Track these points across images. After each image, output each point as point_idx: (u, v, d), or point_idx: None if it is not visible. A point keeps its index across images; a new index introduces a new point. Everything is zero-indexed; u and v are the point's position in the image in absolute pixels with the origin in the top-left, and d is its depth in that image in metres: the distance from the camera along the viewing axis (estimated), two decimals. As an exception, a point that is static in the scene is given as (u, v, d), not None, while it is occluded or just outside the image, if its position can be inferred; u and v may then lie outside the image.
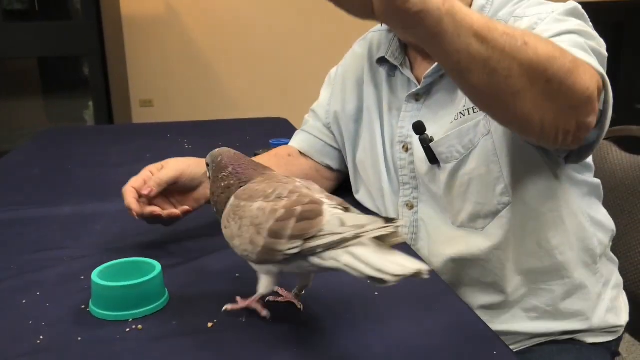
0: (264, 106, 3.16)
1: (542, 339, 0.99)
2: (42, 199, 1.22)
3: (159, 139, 1.79)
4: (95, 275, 0.76)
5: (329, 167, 1.19)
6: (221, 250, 0.94)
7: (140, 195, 0.92)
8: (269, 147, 1.42)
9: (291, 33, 3.55)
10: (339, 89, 1.15)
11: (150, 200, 0.93)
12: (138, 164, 1.47)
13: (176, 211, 0.95)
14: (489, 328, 0.70)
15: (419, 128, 0.98)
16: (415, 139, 1.00)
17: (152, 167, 0.97)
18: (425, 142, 0.97)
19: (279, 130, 1.73)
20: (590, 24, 0.90)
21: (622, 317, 1.03)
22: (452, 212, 0.97)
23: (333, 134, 1.17)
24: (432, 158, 0.97)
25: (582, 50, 0.79)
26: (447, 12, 0.61)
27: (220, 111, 3.39)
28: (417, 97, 1.02)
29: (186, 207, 0.96)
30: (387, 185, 1.06)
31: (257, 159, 1.13)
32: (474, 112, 0.94)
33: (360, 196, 1.14)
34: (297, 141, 1.20)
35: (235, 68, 3.57)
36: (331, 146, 1.18)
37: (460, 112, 0.95)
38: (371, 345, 0.67)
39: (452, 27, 0.62)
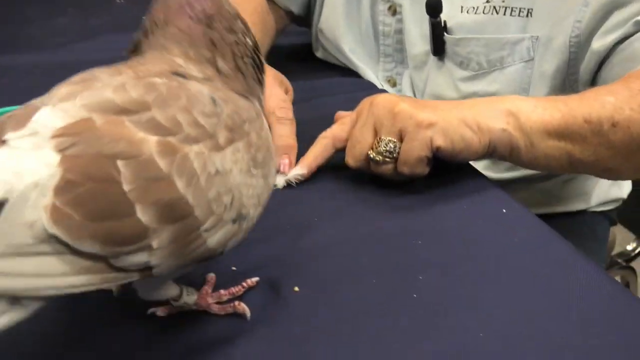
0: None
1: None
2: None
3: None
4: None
5: (289, 12, 0.93)
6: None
7: None
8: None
9: None
10: None
11: None
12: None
13: None
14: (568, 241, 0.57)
15: (434, 9, 0.74)
16: (408, 2, 0.78)
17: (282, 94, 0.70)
18: (437, 30, 0.75)
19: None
20: None
21: (625, 189, 0.96)
22: None
23: None
24: (439, 49, 0.76)
25: None
26: (515, 128, 0.56)
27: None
28: None
29: None
30: (362, 51, 0.86)
31: None
32: (513, 15, 0.71)
33: (322, 55, 0.93)
34: None
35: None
36: None
37: (494, 7, 0.71)
38: (474, 290, 0.49)
39: (524, 139, 0.57)
